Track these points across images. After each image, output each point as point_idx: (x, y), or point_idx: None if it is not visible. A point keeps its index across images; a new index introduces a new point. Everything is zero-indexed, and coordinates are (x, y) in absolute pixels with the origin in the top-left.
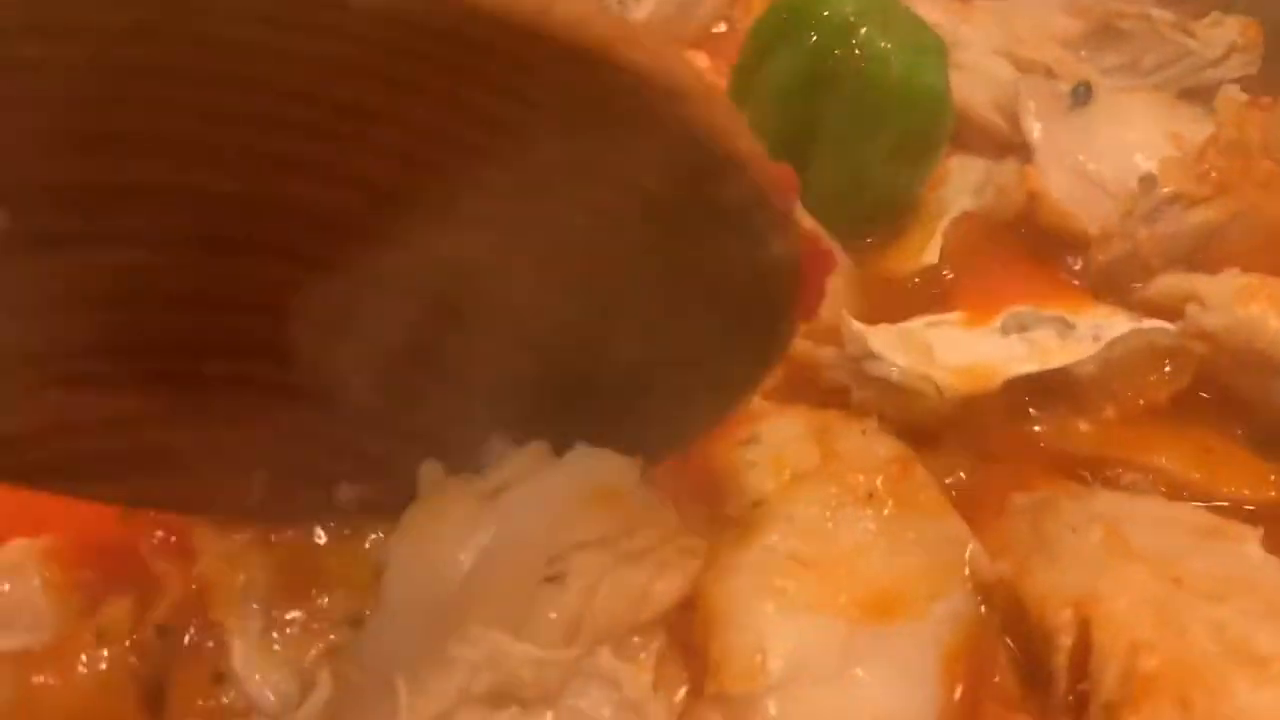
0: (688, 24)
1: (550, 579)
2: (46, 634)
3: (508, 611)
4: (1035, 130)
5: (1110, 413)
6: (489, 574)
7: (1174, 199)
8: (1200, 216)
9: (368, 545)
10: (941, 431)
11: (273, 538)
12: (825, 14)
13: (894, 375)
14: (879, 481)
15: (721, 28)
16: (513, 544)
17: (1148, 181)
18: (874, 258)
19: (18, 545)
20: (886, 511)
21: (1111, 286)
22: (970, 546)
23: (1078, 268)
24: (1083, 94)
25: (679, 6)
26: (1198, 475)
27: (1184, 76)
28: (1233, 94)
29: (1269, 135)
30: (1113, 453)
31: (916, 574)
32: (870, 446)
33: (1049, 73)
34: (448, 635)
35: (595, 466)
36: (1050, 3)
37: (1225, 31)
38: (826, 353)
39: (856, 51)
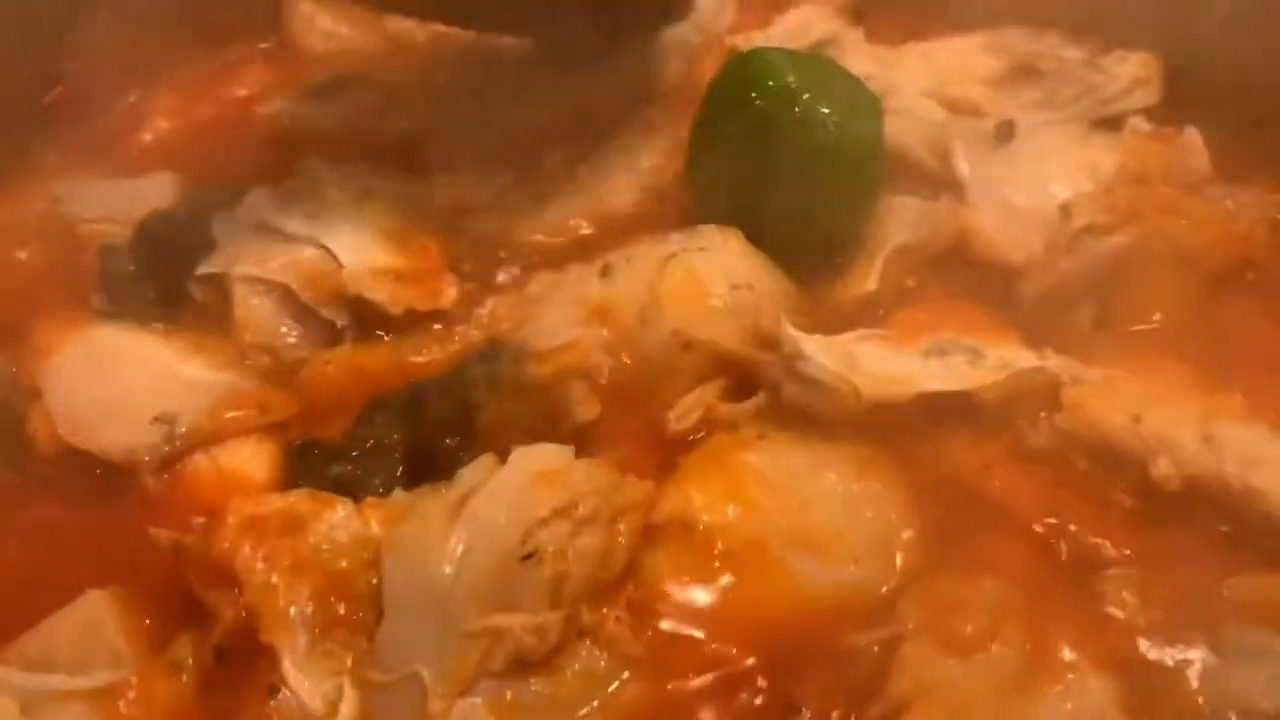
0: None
1: (525, 557)
2: (125, 670)
3: (498, 593)
4: (964, 168)
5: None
6: (474, 566)
7: (1088, 229)
8: (1112, 243)
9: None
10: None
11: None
12: (770, 83)
13: (819, 375)
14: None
15: None
16: (487, 537)
17: (1065, 211)
18: (822, 285)
19: (91, 595)
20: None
21: (1044, 317)
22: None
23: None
24: (1004, 132)
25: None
26: None
27: (1095, 108)
28: (1136, 126)
29: (1169, 164)
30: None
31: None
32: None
33: (975, 110)
34: (452, 624)
35: (535, 456)
36: (973, 44)
37: (1129, 67)
38: (766, 356)
39: (798, 114)
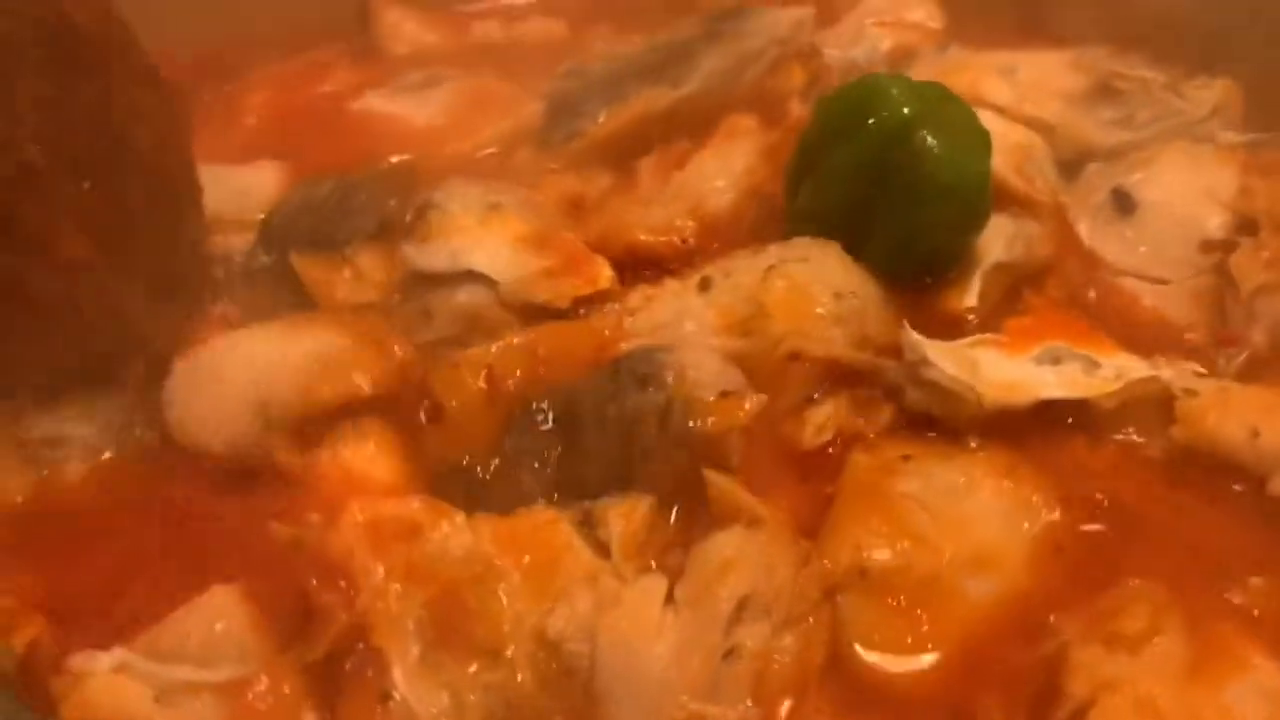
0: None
1: (727, 655)
2: (252, 665)
3: (702, 684)
4: (1083, 232)
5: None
6: (683, 660)
7: (1260, 290)
8: None
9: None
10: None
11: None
12: (884, 114)
13: (943, 381)
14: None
15: None
16: (693, 634)
17: (1228, 278)
18: (927, 299)
19: (218, 590)
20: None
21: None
22: None
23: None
24: (1125, 204)
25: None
26: None
27: (1174, 132)
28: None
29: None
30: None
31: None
32: None
33: (1050, 131)
34: (662, 708)
35: (720, 547)
36: (1058, 60)
37: (1211, 93)
38: (885, 361)
39: (911, 148)
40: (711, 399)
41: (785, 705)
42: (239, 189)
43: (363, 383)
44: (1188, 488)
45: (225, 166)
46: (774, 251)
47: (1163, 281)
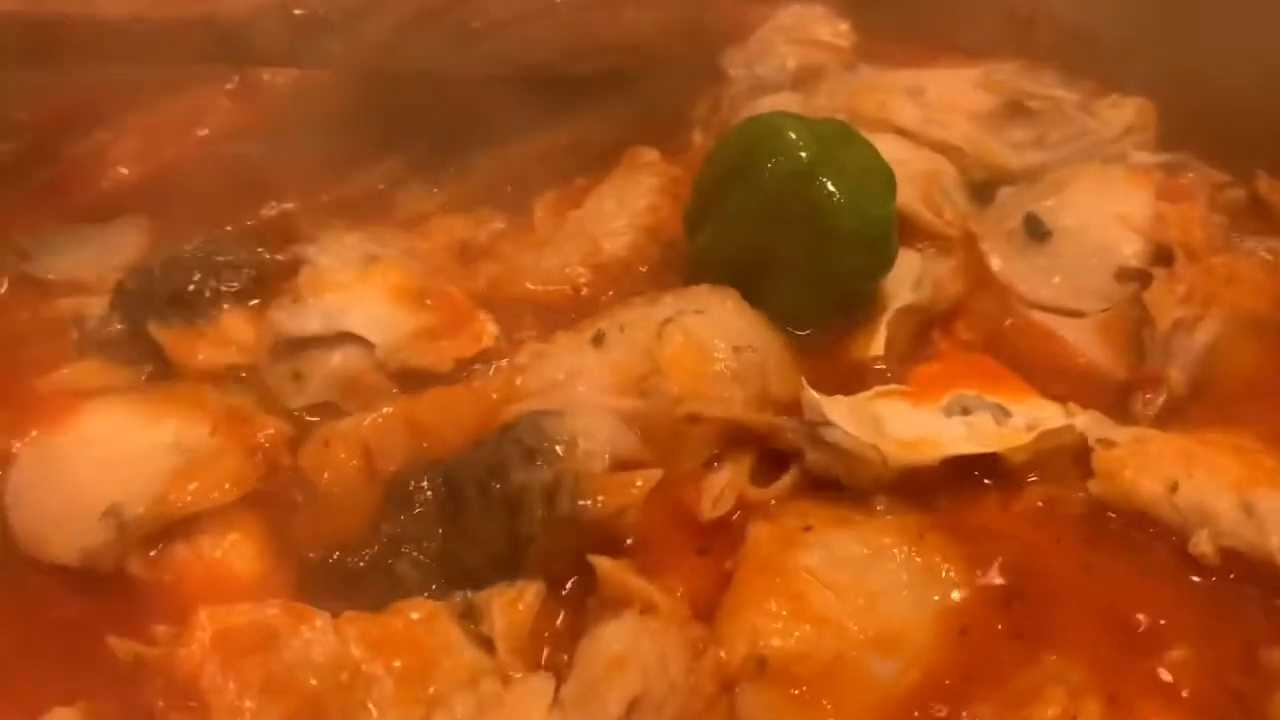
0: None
1: None
2: None
3: None
4: (995, 264)
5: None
6: None
7: (1176, 326)
8: (1205, 335)
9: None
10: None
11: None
12: (781, 159)
13: (844, 442)
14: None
15: None
16: None
17: (1145, 315)
18: (830, 346)
19: (59, 714)
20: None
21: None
22: None
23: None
24: (1038, 229)
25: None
26: None
27: (1086, 152)
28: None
29: (1193, 223)
30: None
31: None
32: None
33: (960, 155)
34: None
35: (605, 643)
36: (965, 78)
37: (1123, 112)
38: (786, 421)
39: (811, 196)
40: (603, 474)
41: None
42: (99, 248)
43: (229, 487)
44: (1105, 546)
45: (86, 225)
46: (670, 302)
47: (1078, 314)
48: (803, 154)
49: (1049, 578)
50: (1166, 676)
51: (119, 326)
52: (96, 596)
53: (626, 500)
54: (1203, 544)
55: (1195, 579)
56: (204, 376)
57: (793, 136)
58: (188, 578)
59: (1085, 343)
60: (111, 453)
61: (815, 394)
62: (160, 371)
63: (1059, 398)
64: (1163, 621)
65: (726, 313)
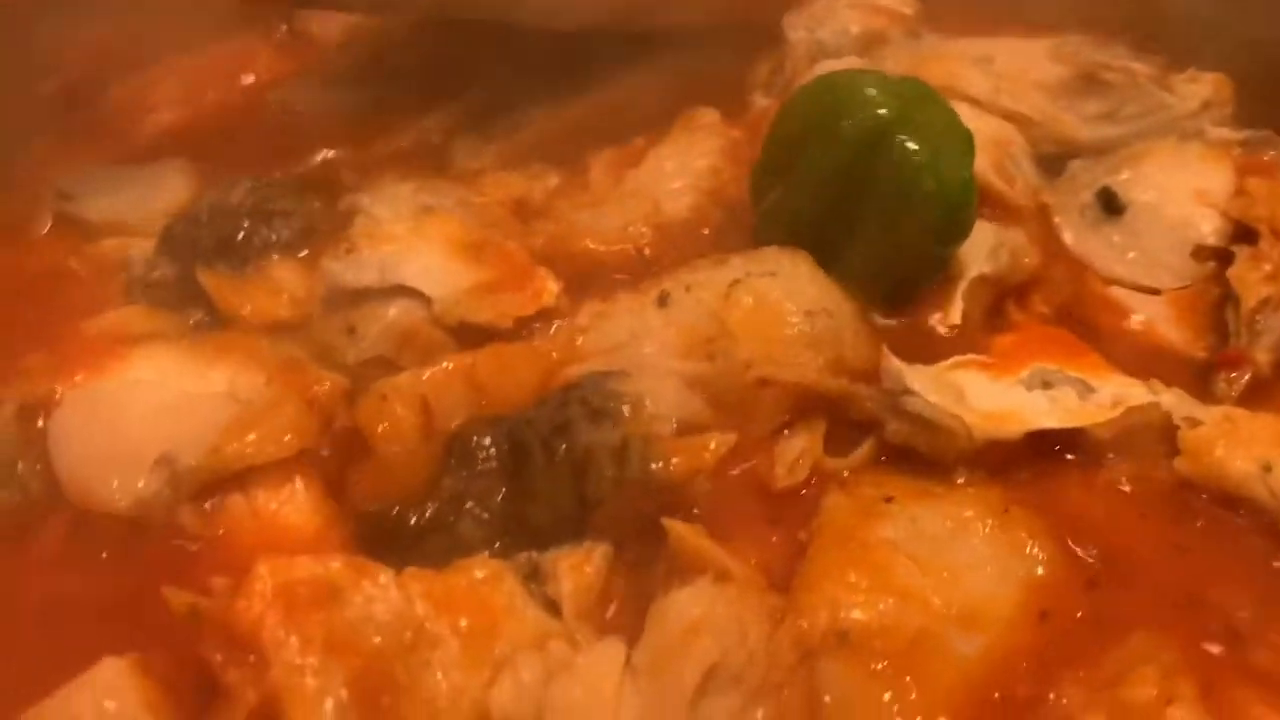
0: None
1: None
2: None
3: None
4: (1068, 237)
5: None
6: None
7: (1264, 304)
8: None
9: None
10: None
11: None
12: (860, 116)
13: (928, 412)
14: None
15: None
16: (656, 708)
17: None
18: (905, 315)
19: (109, 663)
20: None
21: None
22: None
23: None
24: (1113, 204)
25: None
26: None
27: (1161, 127)
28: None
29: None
30: None
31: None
32: None
33: (1029, 124)
34: None
35: (682, 608)
36: (1036, 48)
37: (1200, 87)
38: (863, 389)
39: (890, 155)
40: (673, 437)
41: None
42: (142, 191)
43: (289, 439)
44: (1192, 527)
45: (128, 166)
46: (739, 263)
47: (1154, 291)
48: (882, 111)
49: (1135, 556)
50: (1263, 664)
51: (166, 271)
52: (139, 550)
53: (699, 464)
54: None
55: None
56: (253, 328)
57: (872, 93)
58: (242, 531)
59: (1161, 319)
60: (162, 399)
61: (898, 361)
62: (208, 320)
63: (1136, 374)
64: (1255, 607)
65: (799, 276)
